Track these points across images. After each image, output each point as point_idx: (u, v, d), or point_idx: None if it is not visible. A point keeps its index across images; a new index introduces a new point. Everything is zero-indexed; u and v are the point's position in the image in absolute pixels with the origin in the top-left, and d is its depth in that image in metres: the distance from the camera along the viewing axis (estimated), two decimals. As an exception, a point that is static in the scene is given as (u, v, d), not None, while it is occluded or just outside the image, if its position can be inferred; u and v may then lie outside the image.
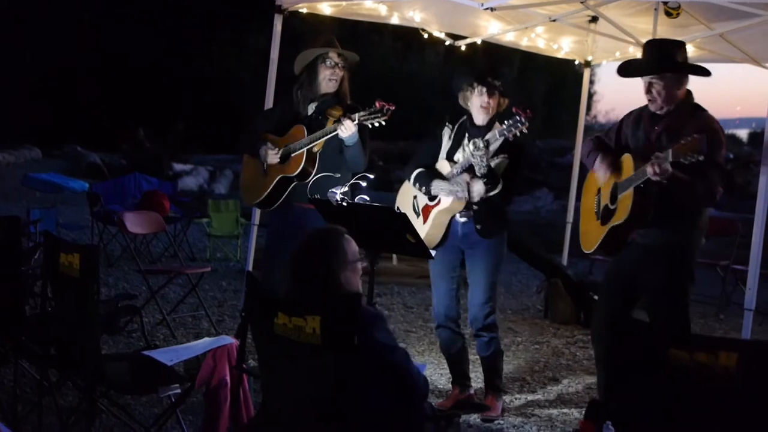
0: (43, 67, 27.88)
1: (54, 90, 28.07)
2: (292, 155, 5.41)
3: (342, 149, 5.37)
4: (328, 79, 5.47)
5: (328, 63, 5.46)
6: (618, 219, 4.62)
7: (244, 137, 5.80)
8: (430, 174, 5.35)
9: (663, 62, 4.68)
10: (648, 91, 4.69)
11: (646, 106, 4.81)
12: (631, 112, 4.94)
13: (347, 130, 5.19)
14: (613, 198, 4.71)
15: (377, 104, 5.13)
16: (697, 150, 4.14)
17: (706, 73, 4.73)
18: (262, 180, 5.59)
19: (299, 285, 3.30)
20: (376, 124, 5.15)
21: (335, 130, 5.23)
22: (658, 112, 4.70)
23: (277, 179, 5.47)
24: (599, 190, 4.92)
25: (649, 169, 4.31)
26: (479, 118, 5.30)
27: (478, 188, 5.14)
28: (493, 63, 5.58)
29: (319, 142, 5.34)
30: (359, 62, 5.68)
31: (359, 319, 3.00)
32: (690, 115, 4.62)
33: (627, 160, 4.65)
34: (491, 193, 5.14)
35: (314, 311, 2.93)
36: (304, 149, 5.35)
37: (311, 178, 5.39)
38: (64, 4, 27.74)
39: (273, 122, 5.68)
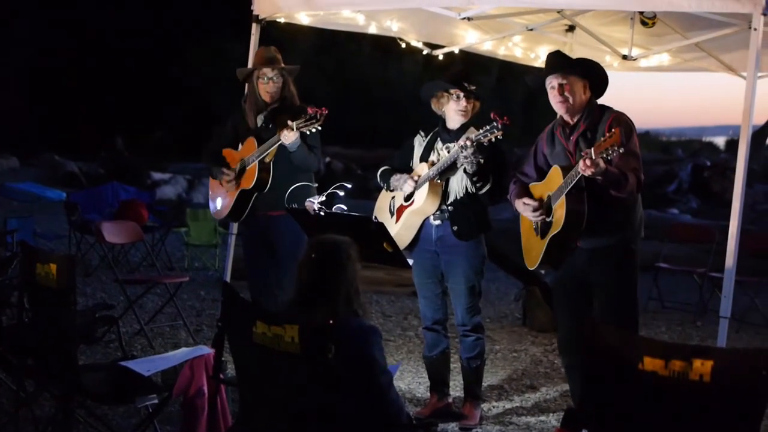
0: (20, 75, 27.70)
1: (31, 98, 27.88)
2: (247, 168, 5.65)
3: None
4: (266, 92, 5.69)
5: (263, 80, 5.67)
6: (555, 228, 4.69)
7: (206, 159, 5.99)
8: (392, 171, 5.49)
9: (570, 62, 4.88)
10: (560, 93, 4.77)
11: (554, 123, 4.94)
12: (543, 135, 5.05)
13: (288, 138, 5.38)
14: (549, 211, 4.78)
15: (310, 110, 5.36)
16: (618, 143, 4.28)
17: (602, 73, 4.88)
18: (225, 195, 5.83)
19: (317, 295, 3.35)
20: (314, 130, 5.38)
21: (279, 140, 5.43)
22: (570, 121, 4.82)
23: (237, 193, 5.70)
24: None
25: (580, 165, 4.39)
26: (454, 123, 5.33)
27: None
28: (467, 67, 5.58)
29: (269, 152, 5.54)
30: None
31: (342, 329, 3.01)
32: (600, 116, 4.77)
33: (555, 171, 4.75)
34: (481, 192, 5.16)
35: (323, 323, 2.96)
36: (256, 161, 5.57)
37: (269, 186, 5.59)
38: (41, 11, 27.61)
39: (229, 137, 5.91)
